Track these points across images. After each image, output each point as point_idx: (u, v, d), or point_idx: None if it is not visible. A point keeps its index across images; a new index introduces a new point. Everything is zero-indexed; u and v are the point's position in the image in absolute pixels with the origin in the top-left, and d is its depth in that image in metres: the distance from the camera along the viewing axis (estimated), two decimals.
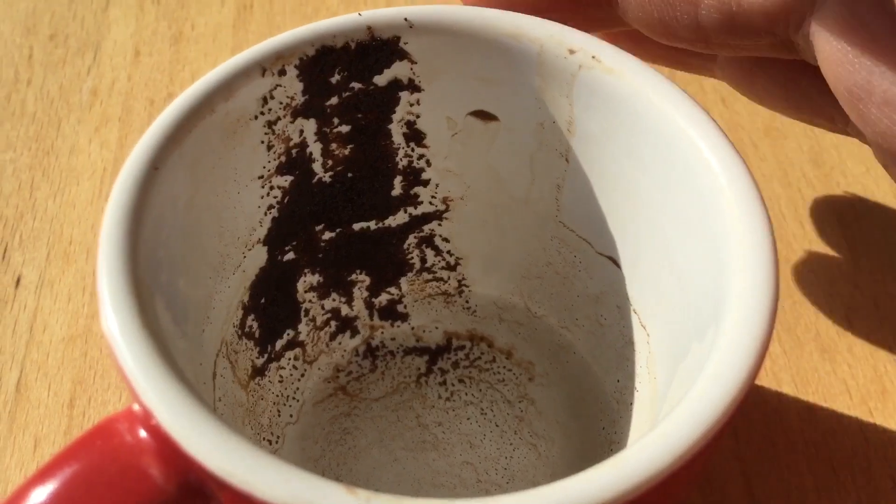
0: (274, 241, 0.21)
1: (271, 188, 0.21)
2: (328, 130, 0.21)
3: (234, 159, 0.19)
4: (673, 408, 0.14)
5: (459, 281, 0.25)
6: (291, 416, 0.23)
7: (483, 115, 0.21)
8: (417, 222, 0.24)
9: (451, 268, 0.25)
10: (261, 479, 0.13)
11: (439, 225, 0.24)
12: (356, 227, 0.23)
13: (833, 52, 0.18)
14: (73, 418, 0.25)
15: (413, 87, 0.21)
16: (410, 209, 0.23)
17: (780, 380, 0.25)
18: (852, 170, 0.29)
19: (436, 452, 0.23)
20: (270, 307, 0.22)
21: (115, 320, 0.15)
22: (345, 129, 0.21)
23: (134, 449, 0.15)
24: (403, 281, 0.25)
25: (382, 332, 0.25)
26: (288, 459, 0.16)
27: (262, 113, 0.19)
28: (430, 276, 0.25)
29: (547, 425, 0.23)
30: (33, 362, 0.26)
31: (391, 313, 0.25)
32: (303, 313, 0.23)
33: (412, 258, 0.24)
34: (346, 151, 0.21)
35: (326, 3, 0.35)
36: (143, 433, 0.15)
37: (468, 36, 0.20)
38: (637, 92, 0.18)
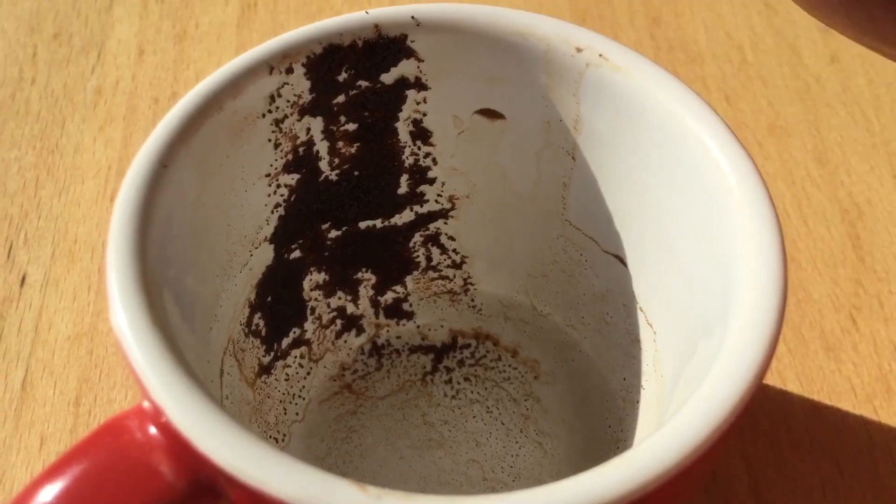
0: (280, 239, 0.21)
1: (278, 186, 0.21)
2: (335, 128, 0.21)
3: (241, 157, 0.19)
4: (681, 406, 0.14)
5: (465, 279, 0.25)
6: (297, 414, 0.23)
7: (489, 114, 0.21)
8: (423, 220, 0.24)
9: (456, 266, 0.25)
10: (272, 475, 0.13)
11: (445, 223, 0.24)
12: (362, 225, 0.23)
13: None
14: (78, 416, 0.25)
15: (420, 85, 0.21)
16: (416, 207, 0.23)
17: (785, 378, 0.25)
18: (856, 168, 0.29)
19: (442, 450, 0.23)
20: (277, 305, 0.22)
21: (125, 316, 0.15)
22: (351, 127, 0.21)
23: (144, 446, 0.15)
24: (409, 279, 0.25)
25: (388, 331, 0.25)
26: (294, 457, 0.16)
27: (270, 111, 0.19)
28: (435, 275, 0.25)
29: (553, 423, 0.23)
30: (39, 361, 0.26)
31: (397, 311, 0.25)
32: (309, 311, 0.23)
33: (418, 256, 0.24)
34: (353, 150, 0.21)
35: (330, 1, 0.35)
36: (153, 430, 0.15)
37: (475, 34, 0.20)
38: (645, 90, 0.18)
